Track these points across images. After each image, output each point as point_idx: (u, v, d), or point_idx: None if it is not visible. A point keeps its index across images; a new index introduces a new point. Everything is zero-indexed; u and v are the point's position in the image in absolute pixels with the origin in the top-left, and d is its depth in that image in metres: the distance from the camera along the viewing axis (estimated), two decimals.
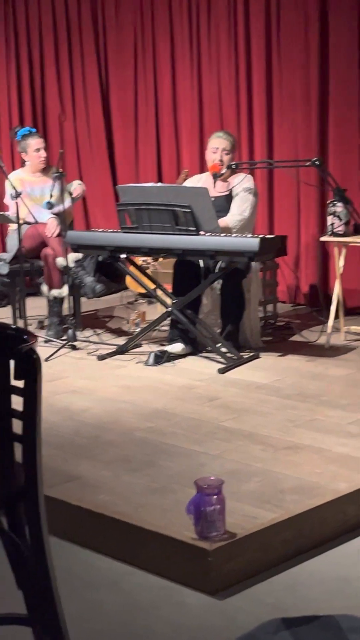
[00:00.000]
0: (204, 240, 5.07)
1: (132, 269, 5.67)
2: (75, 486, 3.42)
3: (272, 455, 3.71)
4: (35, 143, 6.27)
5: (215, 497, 2.91)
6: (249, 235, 5.26)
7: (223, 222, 5.35)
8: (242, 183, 5.47)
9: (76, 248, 5.57)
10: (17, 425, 2.20)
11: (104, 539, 3.12)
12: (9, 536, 1.93)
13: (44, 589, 1.91)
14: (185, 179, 7.17)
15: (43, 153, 6.26)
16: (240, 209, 5.41)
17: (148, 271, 6.15)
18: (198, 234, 5.09)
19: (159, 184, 5.41)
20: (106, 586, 2.90)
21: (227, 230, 5.32)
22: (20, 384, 2.03)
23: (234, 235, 5.19)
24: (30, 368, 1.87)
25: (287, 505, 3.19)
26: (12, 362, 2.04)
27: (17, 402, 2.28)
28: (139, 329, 5.87)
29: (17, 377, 1.89)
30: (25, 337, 1.92)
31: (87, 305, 6.91)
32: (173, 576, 2.92)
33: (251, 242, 4.94)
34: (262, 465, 3.59)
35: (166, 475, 3.51)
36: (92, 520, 3.17)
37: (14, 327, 2.01)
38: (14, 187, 5.65)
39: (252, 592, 2.86)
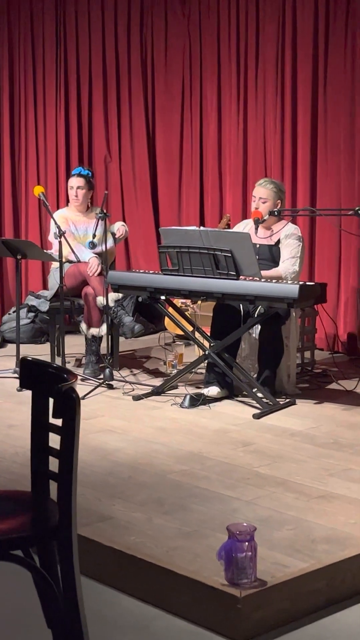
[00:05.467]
0: (244, 285, 5.09)
1: (171, 310, 5.69)
2: (107, 526, 3.42)
3: (305, 503, 3.68)
4: (71, 182, 6.38)
5: (247, 543, 2.90)
6: (289, 281, 5.27)
7: (276, 272, 5.37)
8: (286, 230, 5.49)
9: (117, 288, 5.62)
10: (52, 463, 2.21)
11: (134, 581, 3.11)
12: (42, 574, 1.94)
13: (74, 629, 1.90)
14: (227, 224, 7.22)
15: (76, 192, 6.32)
16: (292, 261, 5.41)
17: (187, 313, 6.17)
18: (238, 279, 5.11)
19: (201, 228, 5.44)
20: (135, 629, 2.89)
21: (277, 279, 5.31)
22: (57, 421, 2.05)
23: (273, 281, 5.20)
24: (69, 407, 1.88)
25: (318, 555, 3.16)
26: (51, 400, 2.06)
27: (53, 440, 2.31)
28: (175, 371, 5.88)
29: (55, 415, 1.91)
30: (65, 375, 1.94)
31: (125, 345, 6.93)
32: (202, 622, 2.90)
33: (291, 288, 4.95)
34: (295, 514, 3.56)
35: (198, 520, 3.50)
36: (123, 561, 3.17)
37: (55, 365, 2.03)
38: (58, 226, 5.72)
39: None
